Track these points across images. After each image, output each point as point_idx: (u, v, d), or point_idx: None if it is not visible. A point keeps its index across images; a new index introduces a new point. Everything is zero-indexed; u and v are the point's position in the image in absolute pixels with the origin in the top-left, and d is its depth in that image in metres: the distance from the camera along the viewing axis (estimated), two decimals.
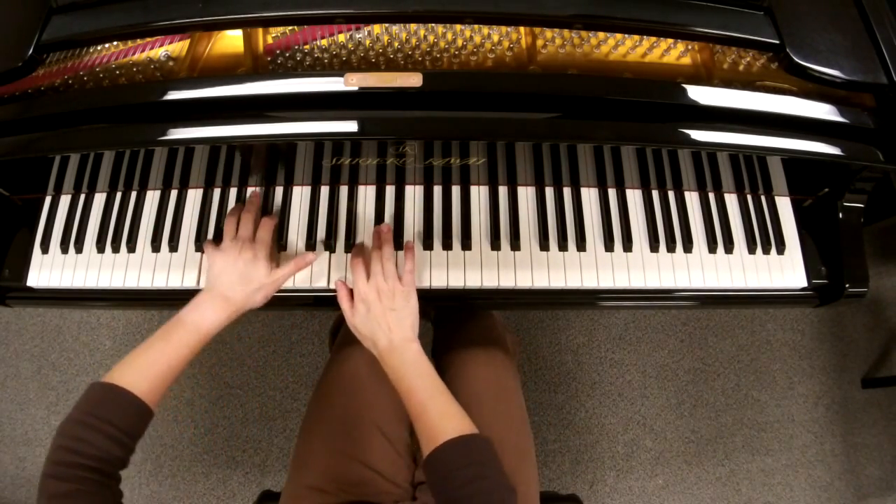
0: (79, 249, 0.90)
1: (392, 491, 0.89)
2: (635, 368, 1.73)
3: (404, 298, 0.80)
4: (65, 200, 0.94)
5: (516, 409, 0.96)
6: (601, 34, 0.83)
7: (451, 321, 1.09)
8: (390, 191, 0.91)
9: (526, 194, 0.91)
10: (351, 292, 0.83)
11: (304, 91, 0.74)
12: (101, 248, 0.90)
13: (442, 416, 0.72)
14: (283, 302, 0.89)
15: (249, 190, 0.92)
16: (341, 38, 0.82)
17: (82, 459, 0.62)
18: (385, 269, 0.81)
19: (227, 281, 0.79)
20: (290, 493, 0.89)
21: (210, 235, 0.90)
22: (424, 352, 0.79)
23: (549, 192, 0.91)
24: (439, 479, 0.68)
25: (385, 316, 0.79)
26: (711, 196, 0.93)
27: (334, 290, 0.87)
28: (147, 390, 0.68)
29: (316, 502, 0.85)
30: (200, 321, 0.76)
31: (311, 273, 0.87)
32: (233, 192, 0.92)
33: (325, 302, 0.89)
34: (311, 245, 0.88)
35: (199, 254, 0.89)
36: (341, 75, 0.73)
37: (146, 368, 0.70)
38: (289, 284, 0.86)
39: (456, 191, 0.91)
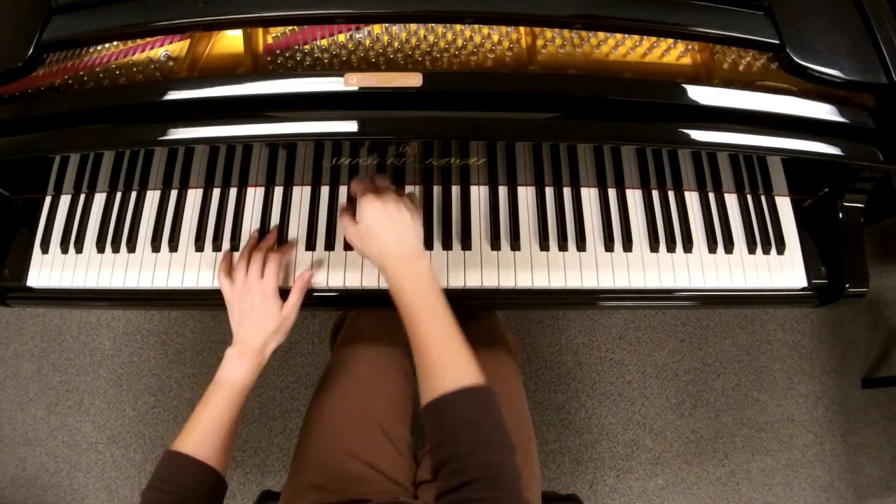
0: (79, 249, 0.90)
1: (393, 489, 0.89)
2: (635, 368, 1.73)
3: (413, 209, 0.79)
4: (65, 200, 0.94)
5: (519, 409, 0.96)
6: (601, 34, 0.83)
7: None
8: None
9: (526, 194, 0.91)
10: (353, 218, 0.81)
11: (304, 91, 0.74)
12: (101, 248, 0.90)
13: (444, 362, 0.68)
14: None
15: (251, 191, 0.92)
16: (341, 38, 0.82)
17: None
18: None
19: (246, 333, 0.81)
20: (291, 491, 0.89)
21: (210, 235, 0.89)
22: None
23: (549, 192, 0.91)
24: (438, 432, 0.65)
25: (400, 215, 0.76)
26: (711, 196, 0.93)
27: (334, 291, 0.87)
28: (200, 450, 0.73)
29: (317, 500, 0.85)
30: (234, 379, 0.79)
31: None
32: (233, 192, 0.92)
33: (325, 302, 0.89)
34: (311, 245, 0.88)
35: (199, 254, 0.89)
36: (341, 75, 0.73)
37: (201, 435, 0.75)
38: (290, 284, 0.86)
39: (456, 191, 0.91)
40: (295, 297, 0.84)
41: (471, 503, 0.58)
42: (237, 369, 0.79)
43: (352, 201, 0.89)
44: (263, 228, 0.90)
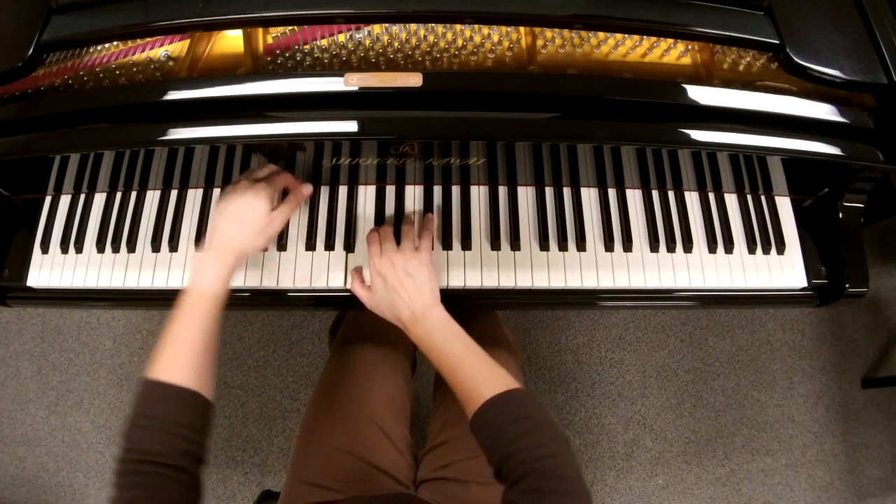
0: (79, 249, 0.90)
1: (394, 487, 0.89)
2: (635, 368, 1.73)
3: (418, 262, 0.79)
4: (65, 200, 0.94)
5: None
6: (601, 34, 0.83)
7: None
8: (390, 191, 0.91)
9: (526, 194, 0.91)
10: (364, 283, 0.83)
11: (304, 91, 0.74)
12: (101, 248, 0.90)
13: (477, 379, 0.70)
14: (283, 302, 0.89)
15: None
16: (341, 38, 0.82)
17: (144, 456, 0.62)
18: (402, 240, 0.81)
19: (223, 230, 0.75)
20: (290, 489, 0.89)
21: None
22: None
23: (549, 192, 0.91)
24: (488, 440, 0.65)
25: (402, 284, 0.77)
26: (711, 196, 0.93)
27: (334, 290, 0.87)
28: (189, 376, 0.66)
29: (317, 499, 0.85)
30: (203, 287, 0.72)
31: (312, 273, 0.87)
32: None
33: (325, 302, 0.89)
34: (311, 245, 0.88)
35: (199, 254, 0.89)
36: (341, 75, 0.73)
37: (176, 358, 0.67)
38: (289, 284, 0.86)
39: (456, 191, 0.91)
40: (287, 207, 0.80)
41: (534, 493, 0.58)
42: (206, 274, 0.72)
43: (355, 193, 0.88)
44: None
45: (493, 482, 0.66)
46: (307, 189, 0.85)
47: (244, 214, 0.76)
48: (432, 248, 0.86)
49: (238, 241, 0.75)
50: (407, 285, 0.77)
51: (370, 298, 0.81)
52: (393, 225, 0.87)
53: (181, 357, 0.67)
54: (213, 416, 0.68)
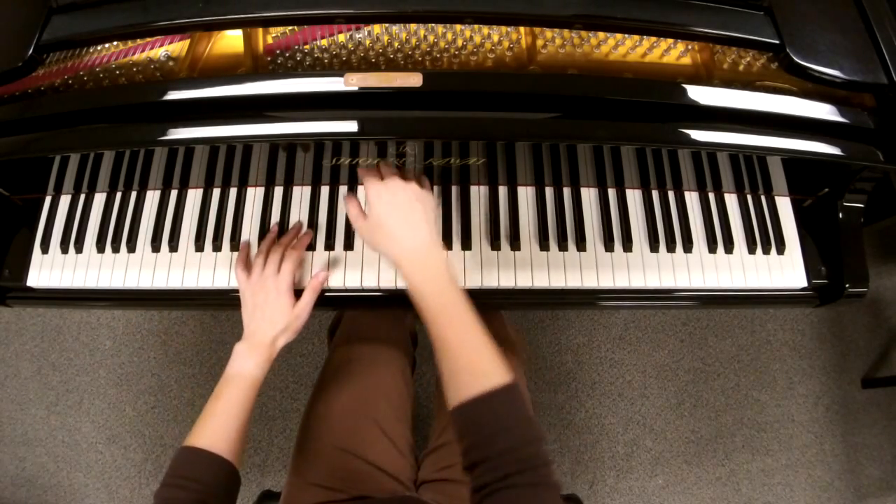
0: (79, 249, 0.90)
1: (395, 488, 0.89)
2: (635, 368, 1.73)
3: (428, 192, 0.78)
4: (65, 200, 0.94)
5: None
6: (601, 34, 0.83)
7: None
8: None
9: (526, 194, 0.91)
10: (362, 210, 0.81)
11: (304, 91, 0.74)
12: (101, 248, 0.90)
13: (474, 361, 0.66)
14: None
15: (251, 191, 0.92)
16: (341, 38, 0.82)
17: None
18: (406, 175, 0.79)
19: (256, 326, 0.81)
20: (292, 489, 0.89)
21: (210, 235, 0.89)
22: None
23: (549, 192, 0.91)
24: (468, 433, 0.63)
25: (412, 208, 0.75)
26: (711, 196, 0.93)
27: (334, 290, 0.87)
28: (215, 444, 0.71)
29: (318, 498, 0.85)
30: (244, 372, 0.78)
31: (311, 273, 0.87)
32: (233, 192, 0.92)
33: (325, 302, 0.89)
34: (311, 245, 0.88)
35: (199, 254, 0.89)
36: (341, 75, 0.73)
37: (216, 429, 0.73)
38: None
39: (456, 191, 0.91)
40: (308, 297, 0.84)
41: (509, 491, 0.58)
42: (247, 362, 0.79)
43: (354, 189, 0.88)
44: (264, 228, 0.90)
45: None
46: (323, 275, 0.86)
47: (272, 316, 0.81)
48: None
49: (271, 337, 0.81)
50: (419, 212, 0.75)
51: (365, 224, 0.78)
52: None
53: (222, 430, 0.73)
54: (234, 481, 0.73)
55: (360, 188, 0.84)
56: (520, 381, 0.99)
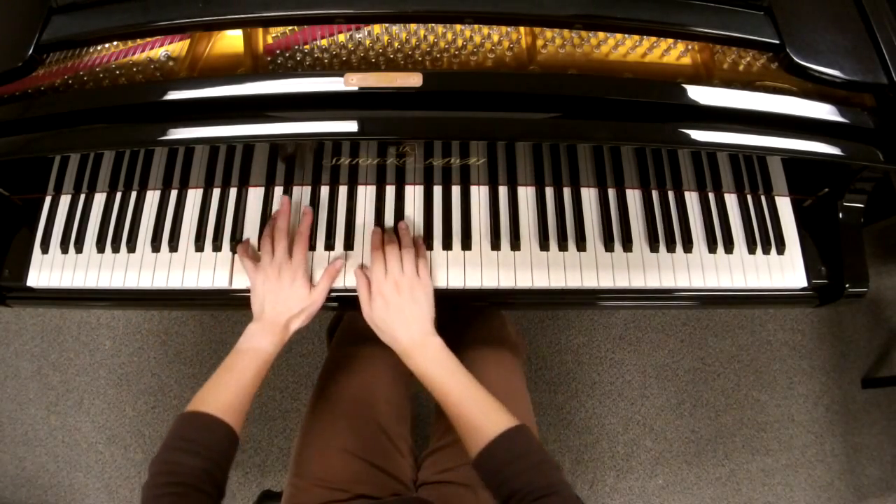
0: (79, 249, 0.90)
1: (396, 488, 0.89)
2: (635, 368, 1.73)
3: (424, 290, 0.80)
4: (65, 200, 0.93)
5: (525, 410, 0.96)
6: (601, 34, 0.83)
7: (457, 321, 1.09)
8: (390, 191, 0.91)
9: (526, 194, 0.91)
10: (370, 290, 0.83)
11: (304, 91, 0.74)
12: (101, 248, 0.90)
13: (481, 415, 0.72)
14: None
15: (251, 191, 0.92)
16: (341, 38, 0.82)
17: (172, 478, 0.65)
18: (404, 263, 0.81)
19: (272, 308, 0.81)
20: (292, 489, 0.89)
21: (210, 235, 0.89)
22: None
23: (549, 192, 0.91)
24: (494, 476, 0.68)
25: (403, 310, 0.79)
26: (711, 196, 0.93)
27: (334, 290, 0.87)
28: (224, 413, 0.71)
29: (319, 498, 0.85)
30: (258, 347, 0.78)
31: (312, 274, 0.87)
32: (233, 192, 0.92)
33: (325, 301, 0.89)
34: (311, 245, 0.88)
35: (199, 254, 0.89)
36: (341, 75, 0.73)
37: (219, 395, 0.74)
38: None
39: (456, 191, 0.91)
40: (325, 283, 0.84)
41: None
42: (262, 342, 0.79)
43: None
44: (263, 229, 0.90)
45: None
46: (340, 263, 0.86)
47: (287, 299, 0.81)
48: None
49: (286, 319, 0.81)
50: (412, 311, 0.79)
51: (370, 311, 0.82)
52: (395, 242, 0.85)
53: (232, 402, 0.73)
54: (235, 454, 0.72)
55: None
56: (517, 383, 0.99)
